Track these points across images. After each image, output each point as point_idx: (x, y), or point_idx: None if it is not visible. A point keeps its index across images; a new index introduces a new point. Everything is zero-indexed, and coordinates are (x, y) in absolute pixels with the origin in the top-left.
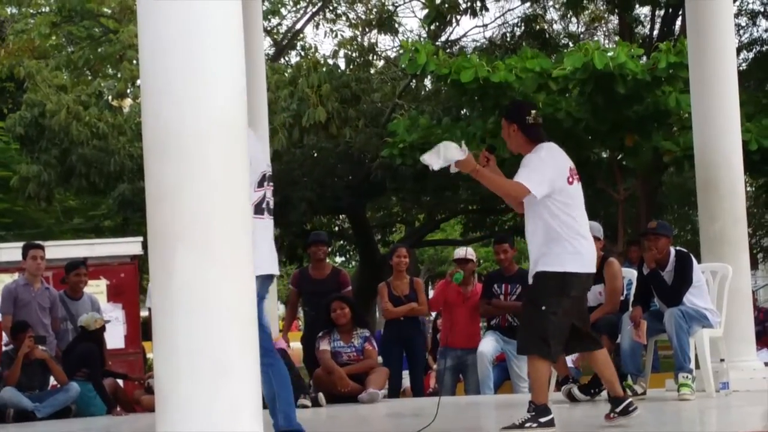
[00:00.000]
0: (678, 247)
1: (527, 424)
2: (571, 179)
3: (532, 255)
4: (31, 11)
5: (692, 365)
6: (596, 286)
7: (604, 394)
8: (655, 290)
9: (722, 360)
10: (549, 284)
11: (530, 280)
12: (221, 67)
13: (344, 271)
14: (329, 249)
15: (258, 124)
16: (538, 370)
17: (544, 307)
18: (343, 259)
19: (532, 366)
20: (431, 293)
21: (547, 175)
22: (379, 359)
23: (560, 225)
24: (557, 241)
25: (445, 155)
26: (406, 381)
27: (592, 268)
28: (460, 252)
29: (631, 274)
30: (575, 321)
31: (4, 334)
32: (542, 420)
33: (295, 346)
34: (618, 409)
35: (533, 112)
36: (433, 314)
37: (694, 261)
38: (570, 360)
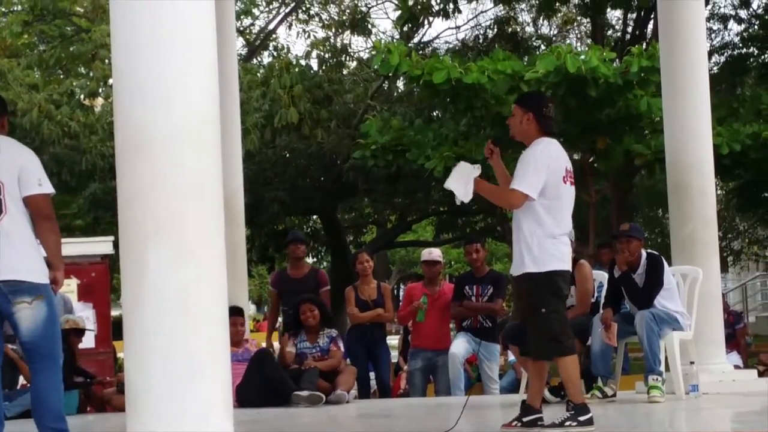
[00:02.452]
0: (649, 250)
1: (567, 423)
2: (566, 179)
3: (516, 253)
4: (3, 10)
5: (662, 368)
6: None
7: None
8: (626, 293)
9: (692, 363)
10: (541, 286)
11: (513, 274)
12: (193, 67)
13: (322, 270)
14: (307, 248)
15: (230, 124)
16: (567, 369)
17: (544, 309)
18: (314, 260)
19: (560, 368)
20: (402, 294)
21: (542, 172)
22: (347, 361)
23: (547, 226)
24: (542, 241)
25: (467, 184)
26: (374, 382)
27: (569, 266)
28: (426, 254)
29: (601, 276)
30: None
31: None
32: (581, 419)
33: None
34: (525, 419)
35: (550, 105)
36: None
37: (665, 264)
38: None
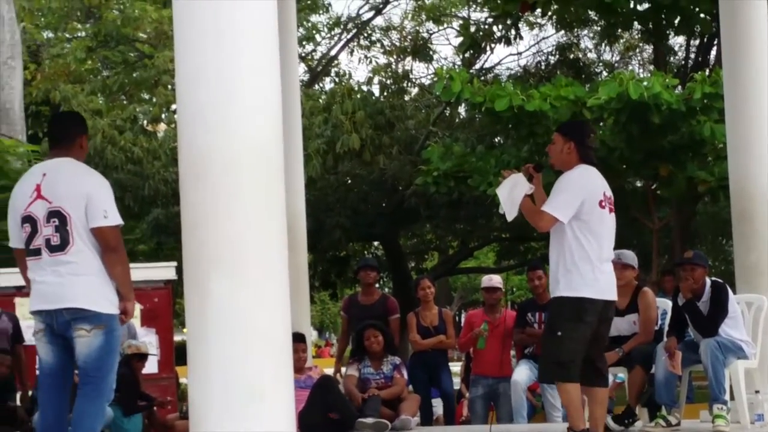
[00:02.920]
0: (714, 278)
1: None
2: (603, 203)
3: (552, 277)
4: (67, 36)
5: (727, 396)
6: (630, 315)
7: (638, 424)
8: (690, 321)
9: (757, 392)
10: (565, 309)
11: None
12: (257, 94)
13: (392, 297)
14: (378, 274)
15: (293, 150)
16: (568, 395)
17: (559, 333)
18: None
19: (561, 393)
20: (463, 320)
21: (576, 196)
22: (409, 388)
23: (581, 250)
24: (577, 266)
25: (515, 199)
26: (438, 409)
27: (610, 296)
28: (487, 280)
29: (665, 304)
30: (592, 352)
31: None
32: None
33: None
34: None
35: (592, 135)
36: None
37: (730, 292)
38: None
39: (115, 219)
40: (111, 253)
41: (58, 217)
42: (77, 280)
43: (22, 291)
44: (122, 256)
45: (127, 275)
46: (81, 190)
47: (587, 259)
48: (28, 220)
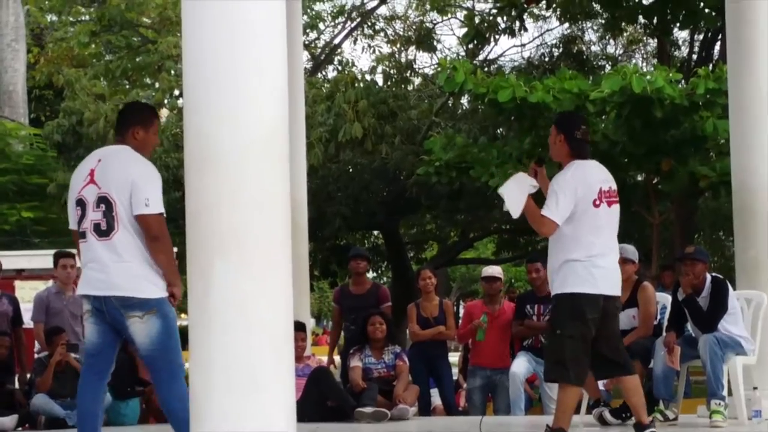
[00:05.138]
0: (714, 274)
1: None
2: (598, 201)
3: (549, 275)
4: (71, 19)
5: (725, 392)
6: (630, 309)
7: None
8: (690, 316)
9: (755, 388)
10: (563, 308)
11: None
12: (263, 82)
13: (384, 286)
14: (368, 264)
15: (296, 139)
16: (565, 395)
17: (559, 331)
18: (375, 275)
19: (560, 391)
20: (462, 310)
21: (569, 197)
22: (409, 378)
23: (574, 247)
24: (571, 263)
25: (520, 197)
26: (435, 399)
27: (609, 291)
28: (488, 270)
29: (664, 298)
30: (601, 347)
31: (36, 341)
32: None
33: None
34: None
35: (583, 127)
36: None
37: (730, 288)
38: (602, 383)
39: (156, 207)
40: (153, 242)
41: (105, 202)
42: (121, 267)
43: (22, 274)
44: (165, 244)
45: (171, 263)
46: (127, 178)
47: (580, 256)
48: (80, 203)
